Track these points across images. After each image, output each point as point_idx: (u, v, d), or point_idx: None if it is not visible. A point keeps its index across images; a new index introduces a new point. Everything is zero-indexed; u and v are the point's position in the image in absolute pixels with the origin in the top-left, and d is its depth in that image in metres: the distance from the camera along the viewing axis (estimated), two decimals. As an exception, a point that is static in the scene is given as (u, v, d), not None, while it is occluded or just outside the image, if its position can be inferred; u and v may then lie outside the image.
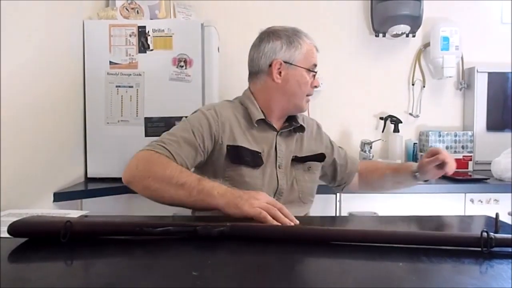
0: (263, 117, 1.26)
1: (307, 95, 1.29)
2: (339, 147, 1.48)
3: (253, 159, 1.21)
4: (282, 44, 1.26)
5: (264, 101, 1.29)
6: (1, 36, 1.28)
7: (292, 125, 1.31)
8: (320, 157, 1.34)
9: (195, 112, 1.28)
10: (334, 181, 1.47)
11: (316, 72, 1.30)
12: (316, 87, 1.31)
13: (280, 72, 1.26)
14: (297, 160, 1.29)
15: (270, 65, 1.27)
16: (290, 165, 1.28)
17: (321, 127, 1.44)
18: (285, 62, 1.26)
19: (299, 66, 1.26)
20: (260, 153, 1.24)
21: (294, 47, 1.26)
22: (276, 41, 1.26)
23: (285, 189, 1.25)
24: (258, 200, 0.96)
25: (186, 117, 1.28)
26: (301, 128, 1.33)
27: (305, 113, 1.42)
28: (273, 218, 0.93)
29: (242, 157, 1.20)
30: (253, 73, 1.33)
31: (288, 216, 0.94)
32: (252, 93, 1.33)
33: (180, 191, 1.03)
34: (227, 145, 1.21)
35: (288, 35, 1.27)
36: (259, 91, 1.31)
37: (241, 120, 1.27)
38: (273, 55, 1.26)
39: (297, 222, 0.93)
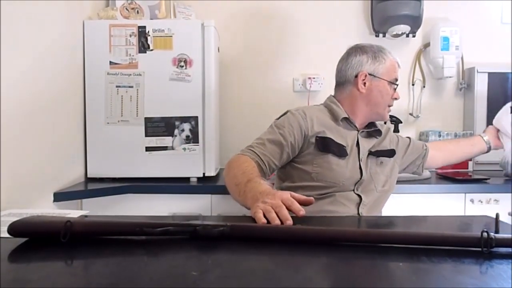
0: (347, 116, 1.44)
1: (389, 106, 1.48)
2: (407, 137, 1.67)
3: (339, 150, 1.38)
4: (368, 58, 1.44)
5: (348, 108, 1.47)
6: (1, 36, 1.28)
7: (372, 128, 1.49)
8: (389, 153, 1.50)
9: (283, 114, 1.45)
10: (412, 167, 1.65)
11: (397, 85, 1.48)
12: (396, 99, 1.48)
13: (365, 83, 1.44)
14: (372, 155, 1.45)
15: (356, 76, 1.44)
16: (367, 159, 1.44)
17: (391, 130, 1.62)
18: (369, 74, 1.44)
19: (382, 78, 1.44)
20: (345, 146, 1.40)
21: (379, 61, 1.44)
22: (363, 55, 1.45)
23: (366, 179, 1.41)
24: (265, 202, 0.97)
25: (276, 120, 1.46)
26: (379, 132, 1.51)
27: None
28: (267, 217, 0.92)
29: (329, 147, 1.37)
30: (340, 83, 1.51)
31: (284, 215, 0.92)
32: (337, 100, 1.50)
33: (236, 191, 1.16)
34: (316, 136, 1.38)
35: (373, 51, 1.46)
36: (344, 99, 1.49)
37: (326, 119, 1.45)
38: (360, 67, 1.44)
39: (290, 222, 0.90)
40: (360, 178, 1.40)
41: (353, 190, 1.40)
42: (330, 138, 1.39)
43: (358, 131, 1.47)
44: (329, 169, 1.37)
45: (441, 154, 1.71)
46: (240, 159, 1.29)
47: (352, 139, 1.44)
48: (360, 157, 1.43)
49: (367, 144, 1.47)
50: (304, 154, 1.39)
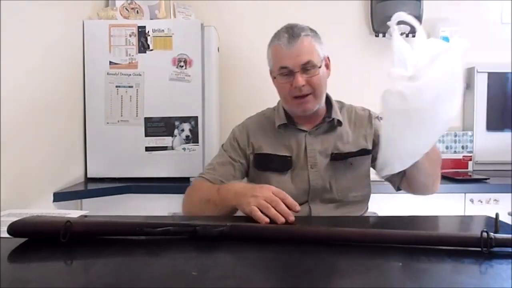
0: (285, 122, 1.27)
1: (295, 97, 1.20)
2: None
3: (281, 164, 1.24)
4: (267, 52, 1.28)
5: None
6: (1, 36, 1.28)
7: (324, 121, 1.26)
8: (362, 152, 1.25)
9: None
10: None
11: (289, 73, 1.19)
12: (296, 87, 1.18)
13: (274, 79, 1.28)
14: (337, 158, 1.23)
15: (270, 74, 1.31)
16: (328, 163, 1.23)
17: (373, 116, 1.32)
18: (270, 70, 1.29)
19: (271, 73, 1.28)
20: (289, 157, 1.24)
21: (267, 55, 1.27)
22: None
23: (320, 189, 1.22)
24: (256, 196, 0.94)
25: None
26: (338, 122, 1.26)
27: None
28: (266, 214, 0.90)
29: (267, 164, 1.25)
30: None
31: (285, 210, 0.91)
32: None
33: (210, 207, 1.10)
34: (255, 154, 1.27)
35: (270, 41, 1.27)
36: None
37: (267, 128, 1.30)
38: None
39: (293, 218, 0.89)
40: (309, 189, 1.22)
41: (307, 202, 1.22)
42: (269, 154, 1.25)
43: (306, 131, 1.26)
44: None
45: (407, 186, 1.28)
46: (196, 184, 1.24)
47: (299, 144, 1.25)
48: (310, 164, 1.23)
49: (320, 145, 1.25)
50: (250, 172, 1.30)
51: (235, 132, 1.33)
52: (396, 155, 0.90)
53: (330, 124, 1.27)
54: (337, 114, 1.27)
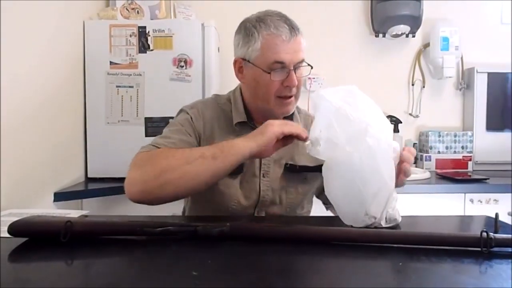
0: (244, 120, 1.12)
1: (280, 97, 1.06)
2: None
3: None
4: (240, 39, 1.10)
5: (246, 101, 1.15)
6: (1, 36, 1.28)
7: None
8: (319, 169, 0.99)
9: (179, 113, 1.16)
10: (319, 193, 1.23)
11: (280, 70, 1.04)
12: (289, 86, 1.05)
13: (242, 69, 1.11)
14: (291, 170, 1.12)
15: (235, 63, 1.13)
16: (282, 174, 1.12)
17: None
18: (243, 59, 1.09)
19: (254, 65, 1.06)
20: None
21: (249, 42, 1.07)
22: (237, 35, 1.12)
23: (269, 201, 1.11)
24: (273, 125, 0.94)
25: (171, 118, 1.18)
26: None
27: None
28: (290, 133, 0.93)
29: None
30: None
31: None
32: (242, 94, 1.16)
33: (204, 163, 0.92)
34: None
35: (247, 27, 1.09)
36: (242, 89, 1.17)
37: (223, 122, 1.13)
38: (235, 51, 1.12)
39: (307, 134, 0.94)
40: (258, 200, 1.10)
41: (253, 215, 1.11)
42: None
43: None
44: (214, 190, 1.07)
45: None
46: (162, 151, 0.99)
47: None
48: (262, 172, 1.10)
49: (277, 152, 1.05)
50: None
51: (190, 113, 1.12)
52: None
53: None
54: (296, 119, 1.18)
